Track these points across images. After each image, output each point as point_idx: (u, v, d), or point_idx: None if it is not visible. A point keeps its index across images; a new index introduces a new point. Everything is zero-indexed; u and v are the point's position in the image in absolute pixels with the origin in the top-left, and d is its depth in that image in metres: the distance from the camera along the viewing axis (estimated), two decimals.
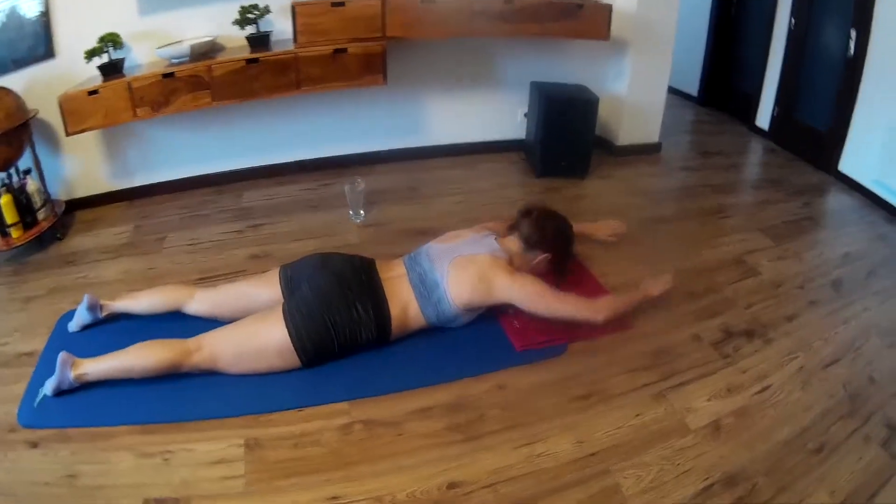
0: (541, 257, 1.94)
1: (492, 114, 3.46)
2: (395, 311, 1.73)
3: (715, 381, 1.78)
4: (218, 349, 1.61)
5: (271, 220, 2.58)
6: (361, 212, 2.62)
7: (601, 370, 1.80)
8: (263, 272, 1.92)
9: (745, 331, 2.01)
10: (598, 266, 2.32)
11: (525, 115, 3.47)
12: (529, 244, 1.93)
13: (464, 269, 1.78)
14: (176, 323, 1.81)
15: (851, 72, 3.26)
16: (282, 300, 1.73)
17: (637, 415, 1.64)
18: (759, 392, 1.74)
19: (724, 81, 4.69)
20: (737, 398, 1.71)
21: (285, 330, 1.60)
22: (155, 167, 2.82)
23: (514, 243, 1.96)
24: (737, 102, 4.49)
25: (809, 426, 1.62)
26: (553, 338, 1.87)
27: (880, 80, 3.13)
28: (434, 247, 1.92)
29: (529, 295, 1.78)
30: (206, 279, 2.16)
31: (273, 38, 2.66)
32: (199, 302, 1.83)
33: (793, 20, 3.70)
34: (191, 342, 1.61)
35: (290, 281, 1.78)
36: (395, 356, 1.78)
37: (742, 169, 3.75)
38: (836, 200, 3.25)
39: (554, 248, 1.96)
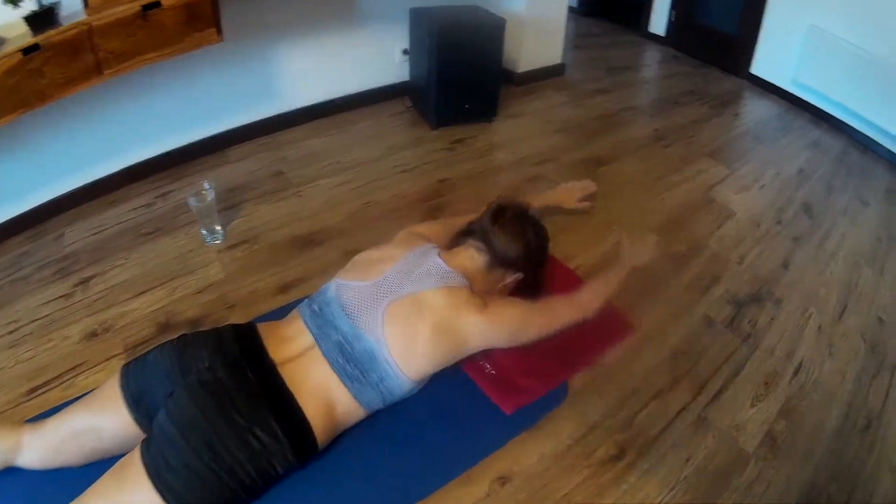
0: (511, 278, 1.39)
1: (363, 57, 2.76)
2: (314, 414, 1.10)
3: (749, 377, 1.52)
4: None
5: (103, 268, 1.77)
6: (218, 228, 1.87)
7: (622, 408, 1.39)
8: (103, 381, 1.16)
9: (751, 296, 1.78)
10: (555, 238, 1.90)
11: (406, 51, 2.85)
12: (501, 262, 1.35)
13: (410, 321, 1.18)
14: (15, 486, 1.13)
15: None
16: (137, 431, 1.09)
17: (687, 459, 1.29)
18: (795, 374, 1.55)
19: None
20: (778, 392, 1.49)
21: (157, 496, 0.97)
22: None
23: (470, 258, 1.35)
24: (624, 10, 4.26)
25: (851, 400, 1.52)
26: (548, 381, 1.40)
27: None
28: (349, 286, 1.25)
29: (514, 330, 1.28)
30: (38, 391, 1.37)
31: (63, 11, 1.72)
32: (31, 451, 1.10)
33: None
34: None
35: (140, 402, 1.07)
36: (334, 475, 1.17)
37: (656, 84, 3.53)
38: (761, 108, 3.18)
39: (532, 265, 1.41)
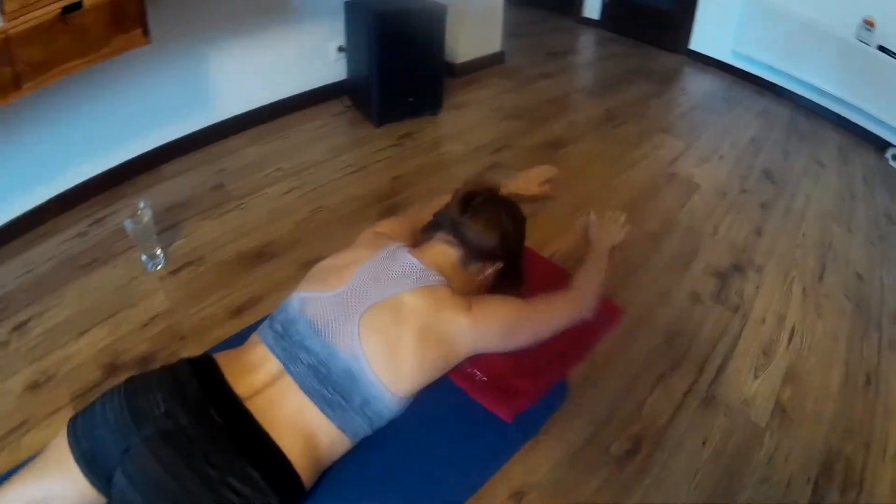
0: (491, 270, 1.26)
1: (297, 57, 2.59)
2: (295, 452, 0.94)
3: (747, 349, 1.47)
4: None
5: (38, 310, 1.52)
6: (158, 251, 1.66)
7: (626, 400, 1.30)
8: (51, 440, 0.95)
9: (732, 266, 1.75)
10: None
11: (341, 48, 2.70)
12: (477, 254, 1.21)
13: (390, 330, 1.03)
14: None
15: None
16: (97, 496, 0.90)
17: (703, 442, 1.22)
18: (790, 340, 1.53)
19: None
20: (777, 360, 1.46)
21: None
22: None
23: (443, 254, 1.21)
24: None
25: (847, 358, 1.51)
26: (544, 379, 1.27)
27: None
28: (314, 299, 1.09)
29: (506, 331, 1.14)
30: None
31: None
32: None
33: None
34: None
35: (94, 461, 0.88)
36: None
37: (598, 65, 3.52)
38: (705, 82, 3.24)
39: (512, 253, 1.29)
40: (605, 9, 3.86)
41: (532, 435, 1.19)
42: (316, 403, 0.98)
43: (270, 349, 1.04)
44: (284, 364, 1.02)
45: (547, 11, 4.35)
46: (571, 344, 1.37)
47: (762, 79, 3.11)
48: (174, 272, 1.66)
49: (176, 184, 2.09)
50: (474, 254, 1.21)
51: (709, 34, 3.33)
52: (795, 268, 1.79)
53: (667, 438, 1.22)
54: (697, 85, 3.22)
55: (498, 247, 1.23)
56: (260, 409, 0.95)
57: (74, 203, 1.97)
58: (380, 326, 1.02)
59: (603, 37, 3.86)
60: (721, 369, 1.40)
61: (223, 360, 1.02)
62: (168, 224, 1.83)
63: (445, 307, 1.06)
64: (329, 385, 1.00)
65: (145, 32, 1.68)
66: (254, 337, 1.10)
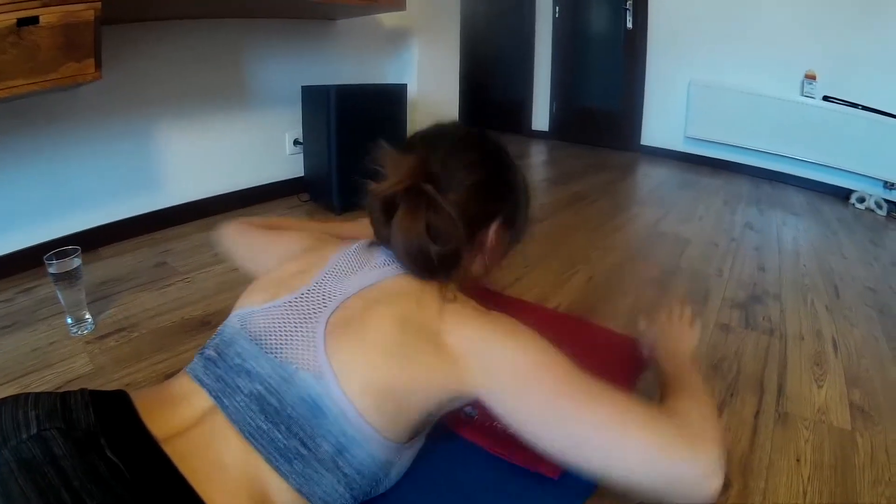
0: (487, 236, 0.89)
1: (251, 148, 2.62)
2: None
3: (798, 364, 1.41)
4: None
5: None
6: (87, 315, 1.50)
7: None
8: None
9: (750, 297, 1.75)
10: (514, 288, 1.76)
11: (297, 141, 2.74)
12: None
13: (360, 330, 0.72)
14: None
15: (633, 43, 3.56)
16: None
17: (797, 459, 1.08)
18: (836, 349, 1.50)
19: (481, 97, 4.78)
20: (830, 367, 1.41)
21: None
22: None
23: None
24: (504, 113, 4.62)
25: (893, 355, 1.50)
26: None
27: (668, 42, 3.47)
28: (260, 312, 0.79)
29: (527, 364, 0.73)
30: None
31: None
32: None
33: (557, 8, 3.97)
34: None
35: None
36: None
37: (556, 164, 3.75)
38: (664, 169, 3.50)
39: (504, 205, 0.92)
40: (554, 118, 4.22)
41: (592, 491, 0.96)
42: (261, 452, 0.67)
43: (197, 379, 0.75)
44: (216, 397, 0.72)
45: (498, 130, 4.72)
46: (609, 379, 1.26)
47: (718, 159, 3.40)
48: (102, 337, 1.48)
49: (113, 262, 1.98)
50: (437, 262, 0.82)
51: (659, 127, 3.66)
52: (810, 291, 1.83)
53: (756, 464, 1.08)
54: (657, 171, 3.48)
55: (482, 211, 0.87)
56: (181, 456, 0.65)
57: (1, 275, 1.85)
58: (350, 328, 0.72)
59: (555, 145, 4.20)
60: (781, 386, 1.30)
61: (139, 396, 0.74)
62: (100, 295, 1.68)
63: (437, 293, 0.78)
64: (281, 423, 0.69)
65: (97, 66, 1.67)
66: (180, 372, 0.82)
